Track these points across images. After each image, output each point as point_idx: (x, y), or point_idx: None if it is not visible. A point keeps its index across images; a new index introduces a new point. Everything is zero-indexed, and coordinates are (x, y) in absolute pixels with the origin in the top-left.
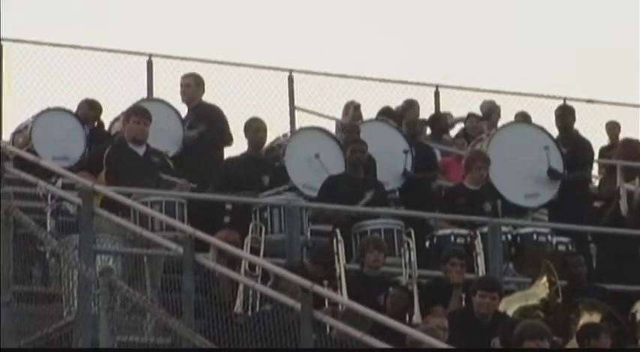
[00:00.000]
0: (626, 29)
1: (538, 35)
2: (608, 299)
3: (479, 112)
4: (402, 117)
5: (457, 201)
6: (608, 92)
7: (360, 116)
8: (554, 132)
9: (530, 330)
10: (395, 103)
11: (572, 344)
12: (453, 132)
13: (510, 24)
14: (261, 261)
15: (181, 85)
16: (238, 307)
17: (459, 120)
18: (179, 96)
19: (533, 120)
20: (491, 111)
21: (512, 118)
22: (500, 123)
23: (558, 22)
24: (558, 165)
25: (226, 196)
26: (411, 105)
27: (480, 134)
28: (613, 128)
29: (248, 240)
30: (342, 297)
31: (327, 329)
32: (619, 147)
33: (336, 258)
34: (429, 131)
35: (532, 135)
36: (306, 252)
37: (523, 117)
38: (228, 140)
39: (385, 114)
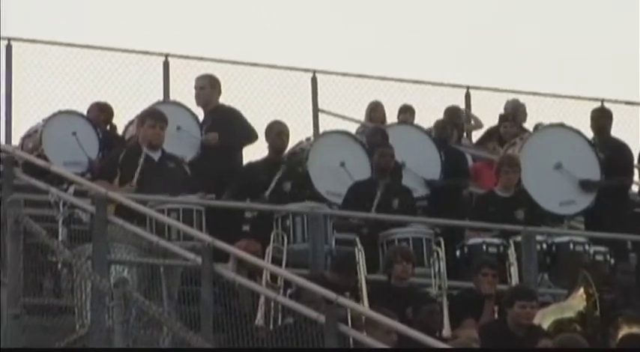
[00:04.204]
0: None
1: (575, 35)
2: None
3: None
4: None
5: (488, 209)
6: None
7: (381, 117)
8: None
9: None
10: (426, 105)
11: None
12: (478, 134)
13: (544, 24)
14: (283, 271)
15: (195, 88)
16: (259, 320)
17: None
18: None
19: (571, 123)
20: (516, 109)
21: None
22: (527, 123)
23: (595, 22)
24: (595, 171)
25: (247, 203)
26: (408, 109)
27: (513, 137)
28: None
29: (269, 249)
30: (366, 308)
31: (351, 343)
32: None
33: (357, 267)
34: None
35: (568, 139)
36: (330, 262)
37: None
38: (251, 137)
39: (404, 112)
